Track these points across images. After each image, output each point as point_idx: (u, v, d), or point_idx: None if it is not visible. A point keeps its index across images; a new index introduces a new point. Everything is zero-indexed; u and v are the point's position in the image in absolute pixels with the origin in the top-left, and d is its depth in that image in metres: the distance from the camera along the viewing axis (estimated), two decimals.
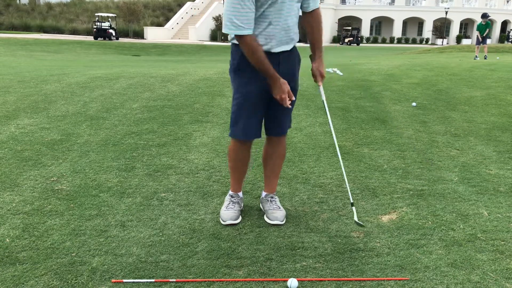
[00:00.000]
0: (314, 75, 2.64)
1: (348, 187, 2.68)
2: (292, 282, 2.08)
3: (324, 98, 2.68)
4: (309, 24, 2.63)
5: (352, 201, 2.63)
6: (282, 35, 2.49)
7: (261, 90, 2.56)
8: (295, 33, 2.58)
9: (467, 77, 8.74)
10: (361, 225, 2.53)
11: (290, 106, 2.52)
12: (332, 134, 2.68)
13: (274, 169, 2.88)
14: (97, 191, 3.15)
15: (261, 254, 2.37)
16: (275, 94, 2.47)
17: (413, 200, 3.14)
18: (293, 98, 2.52)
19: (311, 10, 2.59)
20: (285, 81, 2.46)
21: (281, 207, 2.84)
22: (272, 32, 2.46)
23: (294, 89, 2.63)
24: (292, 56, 2.65)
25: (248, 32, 2.36)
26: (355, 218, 2.52)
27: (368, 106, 6.15)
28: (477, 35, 16.54)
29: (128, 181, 3.36)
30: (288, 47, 2.57)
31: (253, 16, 2.37)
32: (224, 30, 2.42)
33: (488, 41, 17.60)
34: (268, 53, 2.46)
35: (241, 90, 2.59)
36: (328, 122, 2.65)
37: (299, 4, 2.53)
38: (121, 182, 3.33)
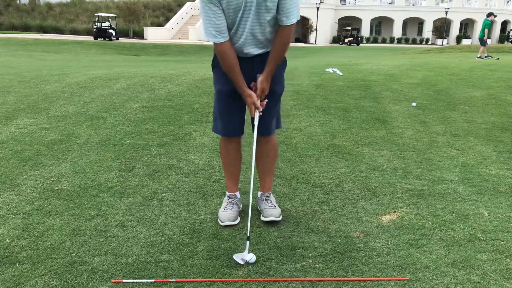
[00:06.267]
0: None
1: (249, 213, 2.47)
2: (252, 258, 2.27)
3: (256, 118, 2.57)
4: (275, 38, 2.56)
5: (248, 235, 2.35)
6: (250, 40, 2.52)
7: (235, 88, 2.62)
8: (265, 39, 2.56)
9: (467, 77, 8.74)
10: (243, 262, 2.26)
11: (256, 115, 2.56)
12: None
13: (266, 169, 2.90)
14: (97, 191, 3.15)
15: (261, 254, 2.37)
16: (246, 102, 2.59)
17: (413, 200, 3.14)
18: (260, 110, 2.55)
19: (283, 24, 2.51)
20: (251, 94, 2.52)
21: (277, 206, 2.85)
22: (242, 38, 2.51)
23: (272, 90, 2.64)
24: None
25: (221, 40, 2.46)
26: (245, 252, 2.29)
27: (368, 106, 6.15)
28: (486, 35, 16.25)
29: (128, 181, 3.37)
30: (259, 51, 2.59)
31: (225, 24, 2.45)
32: (205, 37, 2.53)
33: (489, 41, 17.42)
34: (243, 58, 2.56)
35: (217, 86, 2.70)
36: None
37: (269, 14, 2.46)
38: (121, 182, 3.33)
